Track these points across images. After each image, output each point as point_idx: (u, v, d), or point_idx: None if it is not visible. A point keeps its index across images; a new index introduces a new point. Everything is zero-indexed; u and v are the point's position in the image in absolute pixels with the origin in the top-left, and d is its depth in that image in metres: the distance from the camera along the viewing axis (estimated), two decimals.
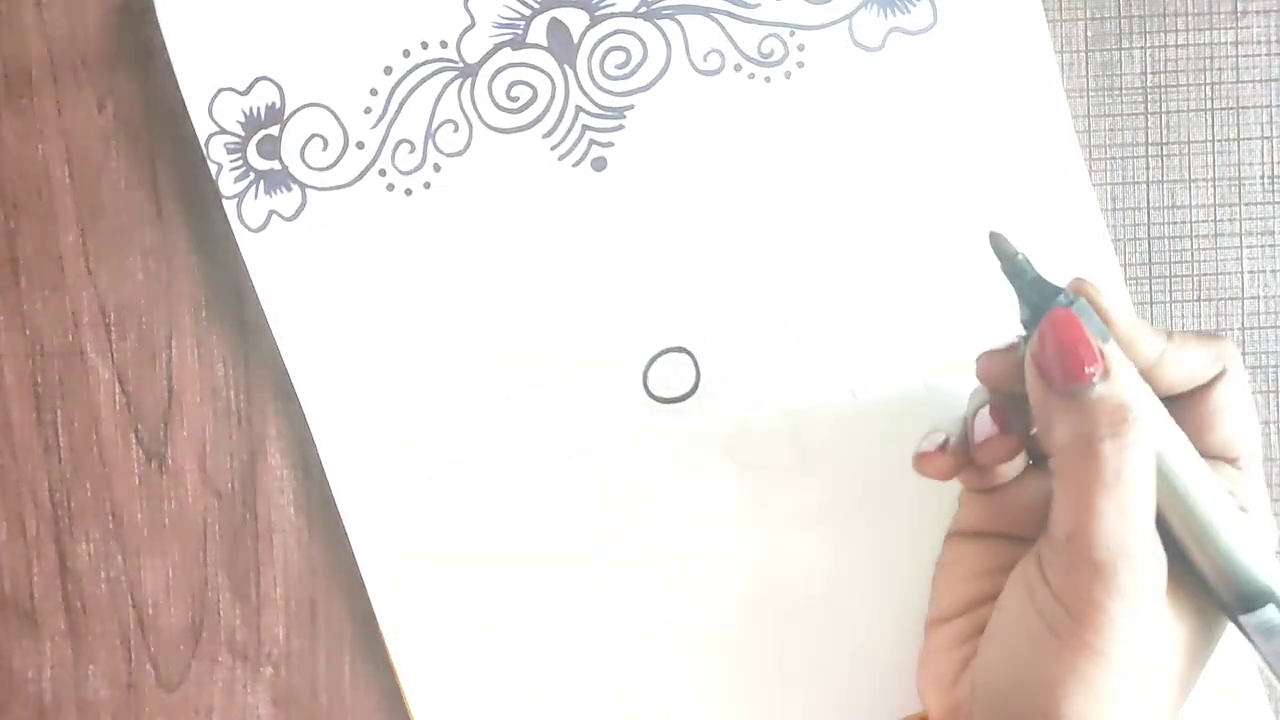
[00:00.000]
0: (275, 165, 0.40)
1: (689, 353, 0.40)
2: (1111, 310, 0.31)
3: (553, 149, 0.40)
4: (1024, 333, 0.32)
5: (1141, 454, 0.29)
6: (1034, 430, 0.33)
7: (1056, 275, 0.33)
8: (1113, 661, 0.29)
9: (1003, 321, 0.40)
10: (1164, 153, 0.41)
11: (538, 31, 0.39)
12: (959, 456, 0.34)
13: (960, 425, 0.34)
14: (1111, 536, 0.29)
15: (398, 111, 0.40)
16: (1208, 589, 0.31)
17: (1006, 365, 0.33)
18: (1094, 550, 0.29)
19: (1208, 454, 0.32)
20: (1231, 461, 0.33)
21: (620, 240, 0.40)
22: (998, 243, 0.32)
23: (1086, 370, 0.29)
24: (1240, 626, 0.31)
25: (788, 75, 0.39)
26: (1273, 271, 0.41)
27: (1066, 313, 0.30)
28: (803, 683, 0.40)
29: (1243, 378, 0.33)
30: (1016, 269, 0.32)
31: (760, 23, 0.39)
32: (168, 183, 0.41)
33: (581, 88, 0.40)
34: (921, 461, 0.34)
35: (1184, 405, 0.32)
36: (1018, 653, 0.31)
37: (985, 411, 0.33)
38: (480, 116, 0.40)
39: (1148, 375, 0.31)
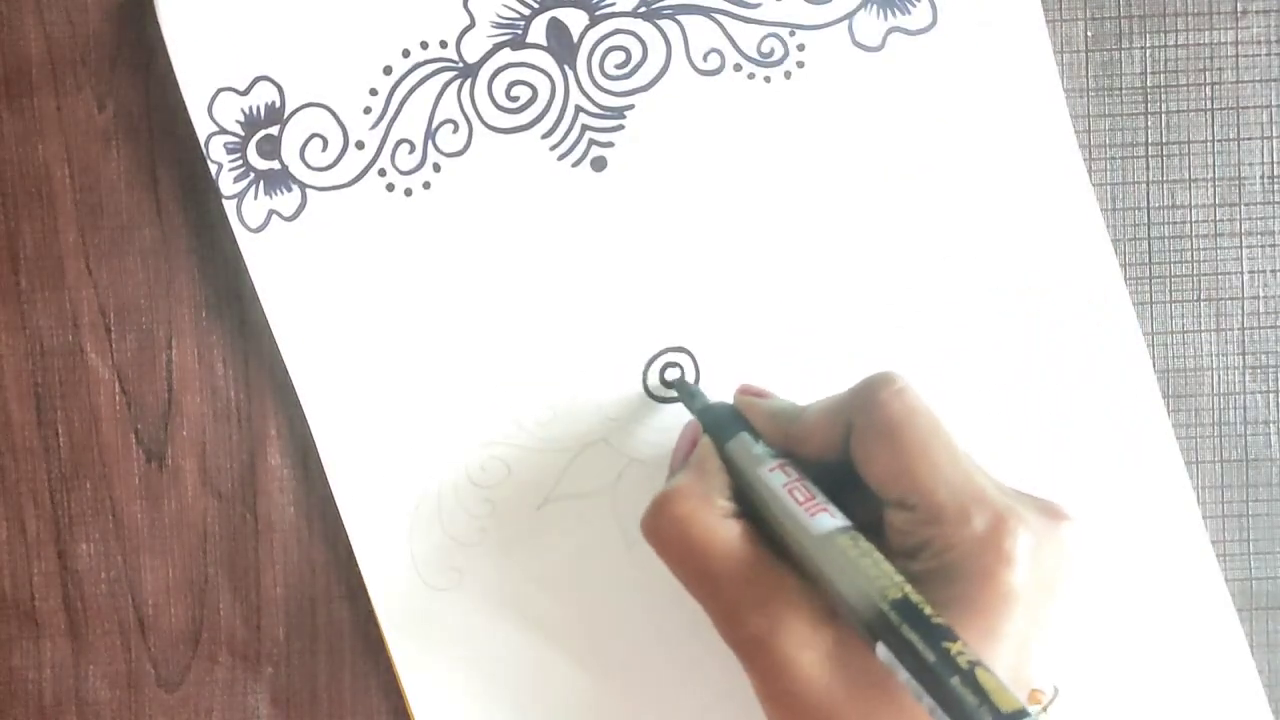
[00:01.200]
0: (275, 165, 0.40)
1: (689, 353, 0.40)
2: (747, 410, 0.37)
3: (552, 149, 0.40)
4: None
5: (681, 520, 0.34)
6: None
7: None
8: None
9: (1001, 321, 0.40)
10: (1164, 153, 0.41)
11: (537, 31, 0.39)
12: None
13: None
14: None
15: (397, 111, 0.40)
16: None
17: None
18: None
19: (886, 500, 0.33)
20: (900, 505, 0.33)
21: (620, 240, 0.40)
22: (679, 386, 0.40)
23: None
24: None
25: (788, 75, 0.39)
26: (1273, 271, 0.41)
27: (692, 421, 0.38)
28: None
29: (877, 431, 0.33)
30: (693, 401, 0.38)
31: (760, 23, 0.39)
32: (168, 183, 0.41)
33: (581, 88, 0.40)
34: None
35: (856, 460, 0.34)
36: None
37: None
38: (480, 116, 0.40)
39: (798, 443, 0.35)
